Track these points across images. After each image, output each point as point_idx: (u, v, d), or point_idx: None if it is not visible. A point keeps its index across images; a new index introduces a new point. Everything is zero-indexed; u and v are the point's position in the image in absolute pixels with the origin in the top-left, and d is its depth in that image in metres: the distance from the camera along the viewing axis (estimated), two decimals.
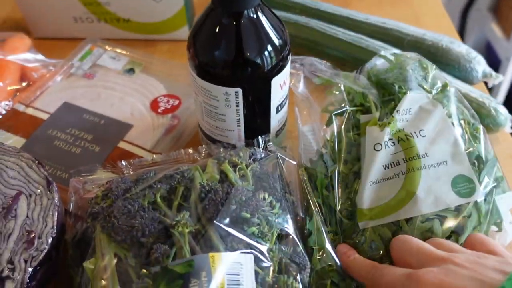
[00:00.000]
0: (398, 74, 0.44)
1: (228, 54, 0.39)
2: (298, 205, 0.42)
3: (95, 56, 0.62)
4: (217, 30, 0.39)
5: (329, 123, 0.45)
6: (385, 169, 0.40)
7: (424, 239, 0.37)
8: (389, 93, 0.44)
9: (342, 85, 0.45)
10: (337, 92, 0.45)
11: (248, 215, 0.36)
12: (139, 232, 0.35)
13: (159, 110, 0.55)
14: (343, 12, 0.61)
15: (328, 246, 0.38)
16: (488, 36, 1.45)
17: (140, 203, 0.37)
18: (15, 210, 0.37)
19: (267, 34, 0.40)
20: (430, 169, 0.40)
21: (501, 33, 1.37)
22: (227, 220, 0.36)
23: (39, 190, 0.38)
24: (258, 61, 0.39)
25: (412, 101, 0.43)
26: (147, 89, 0.57)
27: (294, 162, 0.43)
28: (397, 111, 0.42)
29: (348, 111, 0.44)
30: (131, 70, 0.60)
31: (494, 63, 1.34)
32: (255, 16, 0.39)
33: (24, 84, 0.58)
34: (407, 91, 0.43)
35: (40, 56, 0.61)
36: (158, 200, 0.38)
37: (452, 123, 0.42)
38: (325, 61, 0.48)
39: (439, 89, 0.44)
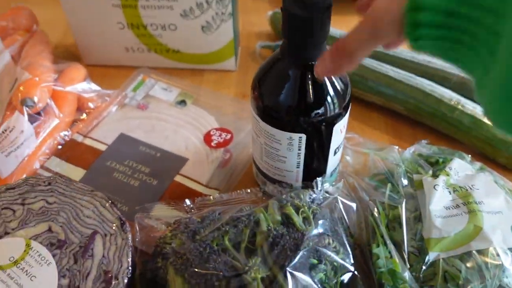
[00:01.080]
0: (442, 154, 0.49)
1: (294, 102, 0.41)
2: (361, 244, 0.44)
3: (148, 87, 0.64)
4: (285, 79, 0.41)
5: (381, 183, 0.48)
6: (446, 209, 0.42)
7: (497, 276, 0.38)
8: (435, 164, 0.48)
9: (396, 148, 0.49)
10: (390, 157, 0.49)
11: (316, 261, 0.38)
12: (214, 276, 0.37)
13: (213, 144, 0.56)
14: (389, 51, 0.63)
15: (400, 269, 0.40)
16: None
17: (211, 245, 0.39)
18: (91, 249, 0.39)
19: (332, 83, 0.41)
20: (490, 214, 0.41)
21: None
22: (296, 267, 0.37)
23: (113, 230, 0.40)
24: (324, 109, 0.41)
25: (459, 166, 0.47)
26: (199, 122, 0.59)
27: (353, 204, 0.45)
28: (449, 167, 0.45)
29: (403, 169, 0.46)
30: (182, 102, 0.62)
31: None
32: None
33: (81, 114, 0.60)
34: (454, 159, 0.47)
35: (95, 86, 0.63)
36: (227, 243, 0.39)
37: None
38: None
39: (479, 168, 0.48)
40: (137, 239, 0.44)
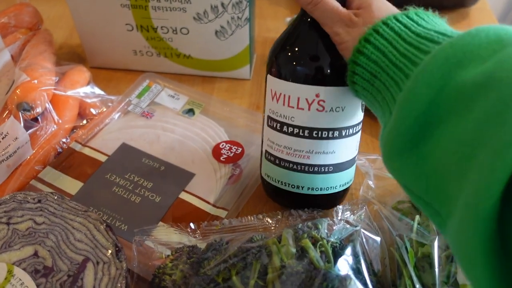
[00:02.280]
0: None
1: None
2: (385, 283, 0.39)
3: (153, 93, 0.59)
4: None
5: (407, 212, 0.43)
6: None
7: None
8: None
9: None
10: None
11: None
12: None
13: (221, 158, 0.52)
14: None
15: None
16: None
17: (216, 281, 0.34)
18: (81, 279, 0.34)
19: None
20: None
21: None
22: None
23: (106, 258, 0.36)
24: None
25: None
26: (207, 134, 0.55)
27: (377, 238, 0.40)
28: None
29: None
30: (190, 111, 0.57)
31: None
32: None
33: (81, 121, 0.56)
34: None
35: (98, 91, 0.59)
36: (234, 278, 0.35)
37: None
38: None
39: None
40: (134, 265, 0.40)
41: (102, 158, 0.52)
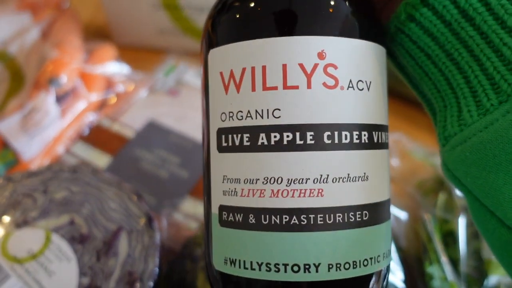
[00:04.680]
0: None
1: None
2: (408, 259, 0.39)
3: (180, 72, 0.60)
4: None
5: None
6: None
7: None
8: None
9: None
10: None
11: None
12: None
13: None
14: None
15: None
16: None
17: None
18: (116, 246, 0.36)
19: None
20: None
21: None
22: None
23: (140, 227, 0.37)
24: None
25: None
26: None
27: (403, 213, 0.41)
28: None
29: None
30: None
31: None
32: None
33: (109, 97, 0.57)
34: None
35: (125, 68, 0.60)
36: None
37: None
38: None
39: None
40: (164, 236, 0.41)
41: (131, 134, 0.53)
